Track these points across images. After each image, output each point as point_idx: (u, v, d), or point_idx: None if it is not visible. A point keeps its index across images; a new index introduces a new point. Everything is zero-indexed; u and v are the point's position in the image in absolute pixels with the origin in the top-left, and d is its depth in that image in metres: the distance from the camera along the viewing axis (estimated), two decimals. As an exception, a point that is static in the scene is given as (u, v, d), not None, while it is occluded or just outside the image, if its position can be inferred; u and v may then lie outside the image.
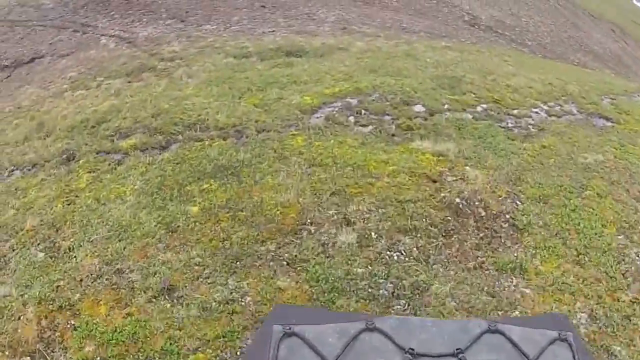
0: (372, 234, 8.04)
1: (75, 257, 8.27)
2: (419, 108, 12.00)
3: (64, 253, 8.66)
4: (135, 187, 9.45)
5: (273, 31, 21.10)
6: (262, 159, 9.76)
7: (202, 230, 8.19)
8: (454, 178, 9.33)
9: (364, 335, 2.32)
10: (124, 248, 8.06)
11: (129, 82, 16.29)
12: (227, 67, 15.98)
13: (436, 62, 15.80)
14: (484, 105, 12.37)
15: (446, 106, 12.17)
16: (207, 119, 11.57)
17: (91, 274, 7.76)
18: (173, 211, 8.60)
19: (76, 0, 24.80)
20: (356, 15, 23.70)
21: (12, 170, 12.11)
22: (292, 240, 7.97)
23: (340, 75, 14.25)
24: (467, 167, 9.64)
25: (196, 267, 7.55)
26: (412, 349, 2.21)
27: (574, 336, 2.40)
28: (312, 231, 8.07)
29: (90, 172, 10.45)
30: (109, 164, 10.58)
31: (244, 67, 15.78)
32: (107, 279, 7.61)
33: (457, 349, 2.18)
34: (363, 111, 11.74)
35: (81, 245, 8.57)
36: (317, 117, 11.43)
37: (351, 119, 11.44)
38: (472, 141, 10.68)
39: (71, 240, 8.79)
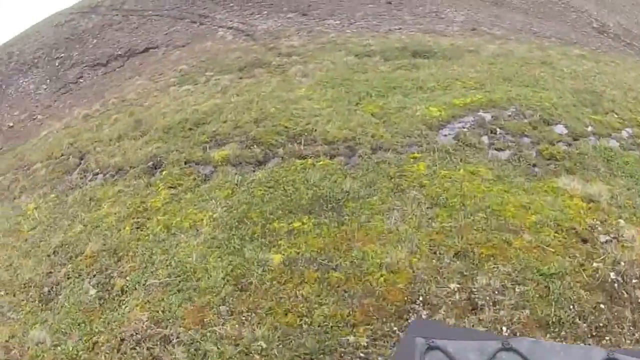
0: (503, 328, 5.44)
1: (125, 304, 6.40)
2: (560, 129, 9.41)
3: (116, 295, 6.79)
4: (215, 215, 7.43)
5: (399, 29, 18.85)
6: (373, 189, 7.46)
7: (279, 294, 5.95)
8: (607, 237, 6.60)
9: (500, 354, 2.32)
10: (180, 304, 6.02)
11: (240, 78, 14.63)
12: (346, 66, 13.85)
13: (573, 72, 13.17)
14: (629, 130, 9.68)
15: (590, 128, 9.52)
16: (315, 129, 9.42)
17: (134, 335, 5.79)
18: (249, 258, 6.44)
19: (194, -9, 24.24)
20: (485, 16, 21.38)
21: (96, 174, 10.69)
22: (393, 332, 5.45)
23: (472, 82, 11.76)
24: (621, 221, 6.89)
25: (256, 358, 5.34)
26: None
27: None
28: (423, 317, 5.61)
29: (171, 187, 8.59)
30: (194, 179, 8.66)
31: (365, 67, 13.55)
32: (148, 349, 5.62)
33: None
34: (498, 130, 9.25)
35: (135, 289, 6.69)
36: (445, 135, 9.00)
37: (485, 139, 8.93)
38: (624, 181, 7.92)
39: (127, 278, 6.93)
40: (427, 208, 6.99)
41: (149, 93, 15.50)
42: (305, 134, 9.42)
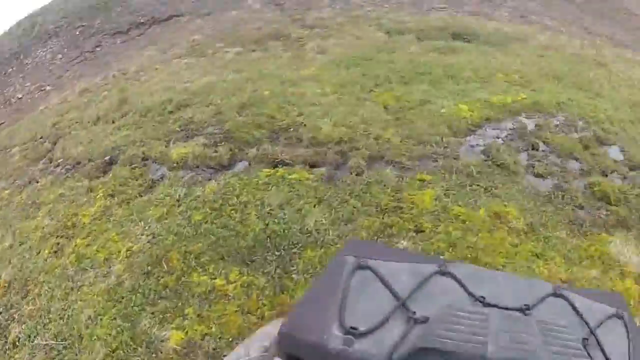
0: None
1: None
2: (616, 153, 6.98)
3: (8, 349, 5.04)
4: (135, 247, 5.21)
5: (443, 8, 16.02)
6: (349, 229, 5.04)
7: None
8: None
9: (435, 278, 1.97)
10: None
11: (253, 50, 12.37)
12: (372, 43, 11.40)
13: (629, 79, 10.68)
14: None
15: (650, 155, 7.01)
16: (305, 124, 7.15)
17: None
18: (141, 333, 4.29)
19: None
20: (537, 4, 18.43)
21: (57, 166, 8.93)
22: None
23: (516, 76, 9.20)
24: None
25: None
26: (483, 297, 1.89)
27: (629, 316, 2.05)
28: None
29: (109, 195, 6.32)
30: (140, 185, 6.31)
31: (393, 46, 10.98)
32: None
33: (524, 305, 1.87)
34: (541, 146, 6.83)
35: (24, 346, 4.69)
36: (472, 146, 6.59)
37: (523, 158, 6.49)
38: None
39: (22, 327, 4.87)
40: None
41: (152, 65, 13.56)
42: (292, 129, 7.12)
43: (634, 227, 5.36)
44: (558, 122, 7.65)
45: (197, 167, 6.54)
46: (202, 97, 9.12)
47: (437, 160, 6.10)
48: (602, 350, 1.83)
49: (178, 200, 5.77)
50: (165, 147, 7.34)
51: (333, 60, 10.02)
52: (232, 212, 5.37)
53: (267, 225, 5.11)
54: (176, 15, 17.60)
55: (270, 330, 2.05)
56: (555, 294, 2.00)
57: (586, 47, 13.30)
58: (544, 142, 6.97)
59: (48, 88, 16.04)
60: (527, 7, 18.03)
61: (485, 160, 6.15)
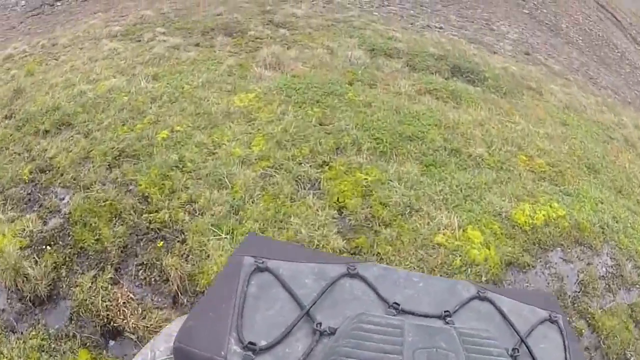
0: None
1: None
2: None
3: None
4: None
5: (440, 28, 12.73)
6: None
7: None
8: None
9: (344, 281, 1.73)
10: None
11: (195, 45, 8.71)
12: (346, 67, 8.22)
13: None
14: None
15: None
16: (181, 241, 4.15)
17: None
18: None
19: None
20: (541, 42, 15.65)
21: None
22: None
23: (542, 160, 6.01)
24: None
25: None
26: (397, 304, 1.65)
27: (564, 319, 1.81)
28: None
29: None
30: None
31: (375, 76, 7.68)
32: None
33: (445, 312, 1.66)
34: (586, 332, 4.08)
35: None
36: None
37: None
38: None
39: None
40: None
41: (81, 42, 10.04)
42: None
43: None
44: (605, 270, 4.68)
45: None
46: (90, 115, 5.95)
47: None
48: None
49: None
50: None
51: (283, 86, 6.66)
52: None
53: None
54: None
55: (175, 329, 1.61)
56: (480, 297, 1.71)
57: (604, 109, 10.32)
58: (589, 325, 4.02)
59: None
60: (530, 43, 15.04)
61: None
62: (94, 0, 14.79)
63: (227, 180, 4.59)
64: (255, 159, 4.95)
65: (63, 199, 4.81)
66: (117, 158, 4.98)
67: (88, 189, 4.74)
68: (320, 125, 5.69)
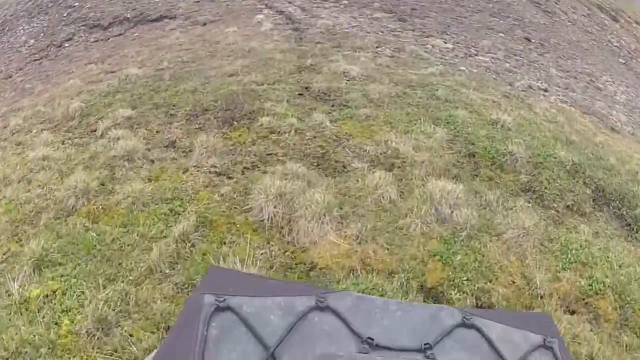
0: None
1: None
2: None
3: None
4: None
5: (545, 91, 9.36)
6: None
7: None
8: None
9: (312, 315, 1.63)
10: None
11: (224, 134, 6.25)
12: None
13: None
14: None
15: None
16: None
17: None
18: None
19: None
20: None
21: None
22: None
23: None
24: None
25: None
26: (371, 339, 1.57)
27: (560, 344, 1.72)
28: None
29: None
30: None
31: (466, 258, 4.48)
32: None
33: (425, 344, 1.57)
34: None
35: None
36: None
37: None
38: None
39: None
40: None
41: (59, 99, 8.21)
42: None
43: None
44: None
45: None
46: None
47: None
48: None
49: None
50: None
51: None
52: None
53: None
54: (168, 17, 12.01)
55: None
56: (465, 324, 1.62)
57: None
58: None
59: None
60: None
61: None
62: (100, 43, 12.88)
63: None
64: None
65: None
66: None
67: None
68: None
